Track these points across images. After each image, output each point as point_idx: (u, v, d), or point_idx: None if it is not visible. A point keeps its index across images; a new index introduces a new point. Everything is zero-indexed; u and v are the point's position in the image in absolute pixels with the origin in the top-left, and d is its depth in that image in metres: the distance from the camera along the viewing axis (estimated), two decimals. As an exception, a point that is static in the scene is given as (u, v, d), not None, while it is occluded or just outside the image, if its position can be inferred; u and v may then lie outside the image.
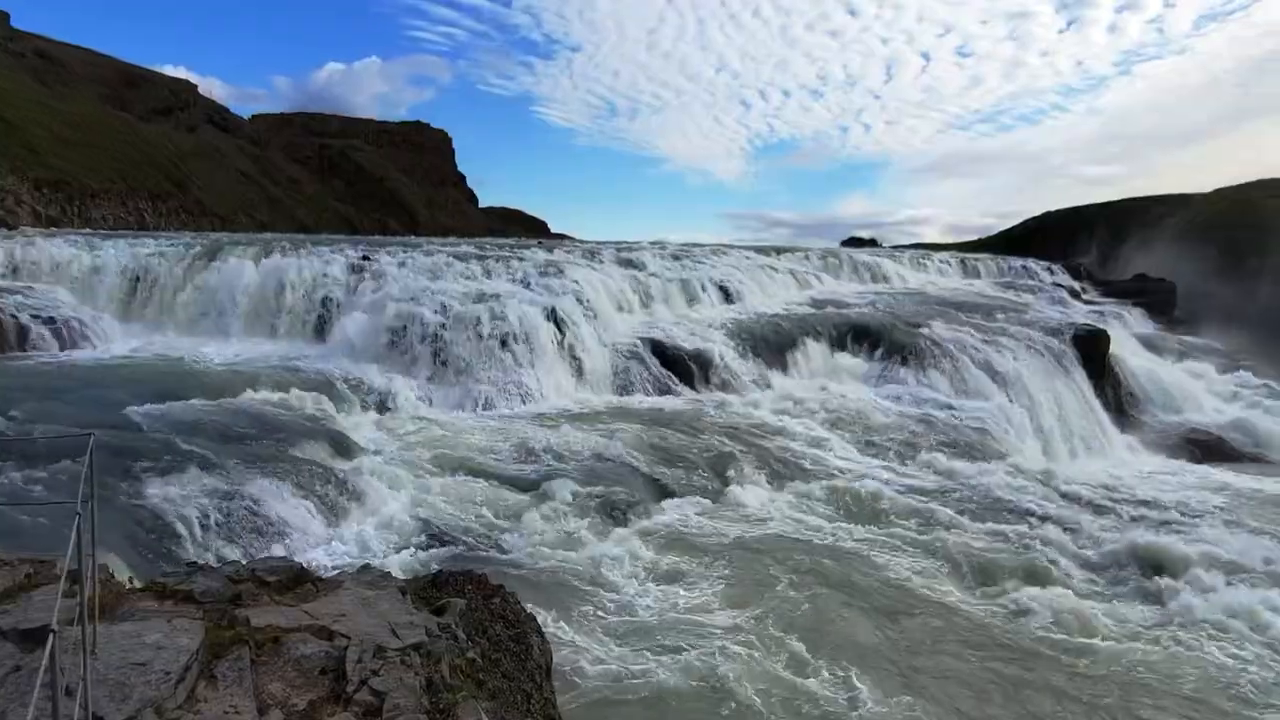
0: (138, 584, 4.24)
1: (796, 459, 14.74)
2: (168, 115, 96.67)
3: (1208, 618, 9.45)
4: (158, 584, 3.87)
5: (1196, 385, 26.09)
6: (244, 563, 4.06)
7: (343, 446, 12.32)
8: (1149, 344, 30.96)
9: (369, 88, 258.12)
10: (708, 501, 12.39)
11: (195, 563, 5.33)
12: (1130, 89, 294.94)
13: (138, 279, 21.06)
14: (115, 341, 18.77)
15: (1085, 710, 7.56)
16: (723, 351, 20.54)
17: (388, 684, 3.05)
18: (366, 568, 4.65)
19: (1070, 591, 10.05)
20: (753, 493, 12.92)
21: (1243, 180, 57.53)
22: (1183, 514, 14.23)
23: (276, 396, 14.08)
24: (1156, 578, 10.58)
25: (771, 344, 21.49)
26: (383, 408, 15.44)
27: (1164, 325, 37.91)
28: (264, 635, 3.22)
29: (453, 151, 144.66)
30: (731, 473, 13.49)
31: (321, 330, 19.67)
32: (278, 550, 8.67)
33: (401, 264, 22.09)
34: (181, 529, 8.44)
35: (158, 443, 10.60)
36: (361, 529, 9.95)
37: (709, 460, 13.81)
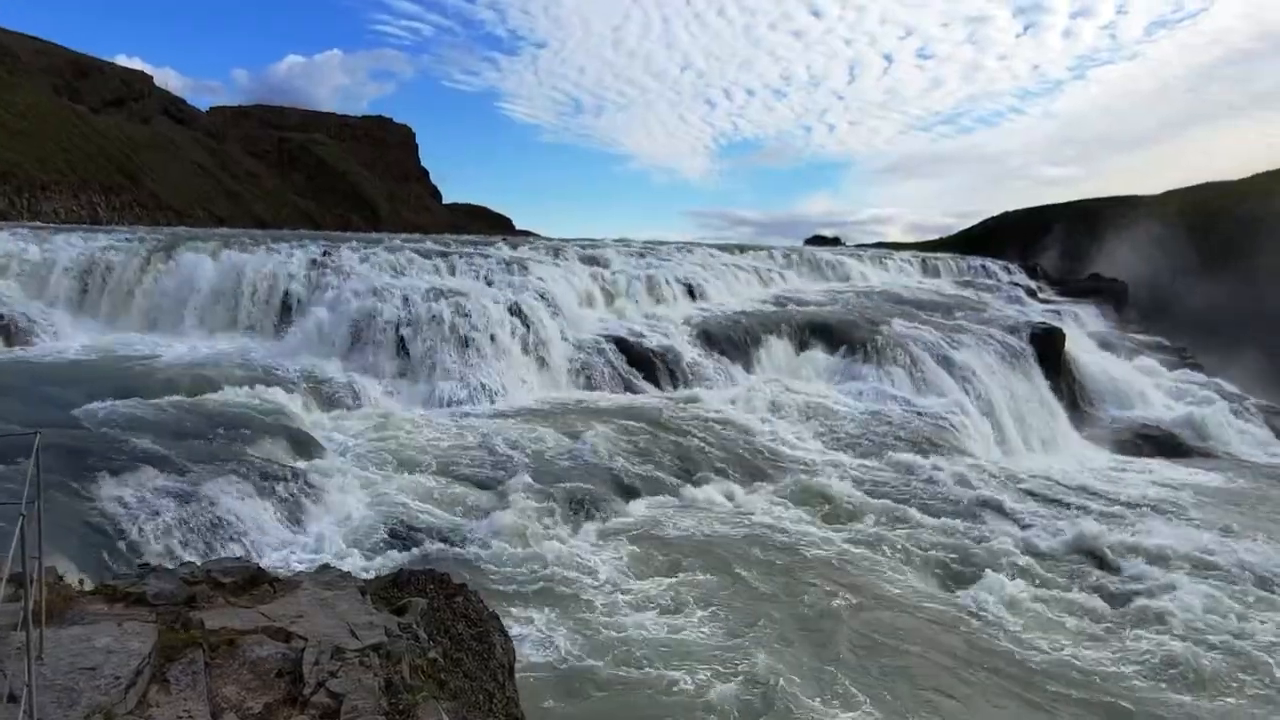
0: (88, 587, 4.14)
1: (760, 455, 14.85)
2: (121, 106, 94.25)
3: (1154, 609, 9.71)
4: (109, 587, 3.79)
5: (1147, 382, 26.77)
6: (199, 564, 3.98)
7: (303, 445, 12.14)
8: (1102, 342, 31.69)
9: (330, 81, 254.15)
10: (673, 498, 12.44)
11: (148, 564, 5.22)
12: (1085, 93, 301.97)
13: (90, 274, 20.51)
14: (67, 338, 18.27)
15: (1035, 699, 7.73)
16: (687, 349, 20.61)
17: (346, 685, 3.02)
18: (325, 568, 4.59)
19: (1022, 583, 10.26)
20: (717, 489, 13.00)
21: (1191, 183, 59.38)
22: (1133, 508, 14.62)
23: (235, 394, 13.82)
24: (1105, 570, 10.86)
25: (736, 341, 21.61)
26: (345, 405, 15.24)
27: (1117, 324, 38.83)
28: (219, 638, 3.16)
29: (416, 147, 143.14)
30: (696, 469, 13.56)
31: (282, 327, 19.33)
32: (236, 551, 8.52)
33: (364, 260, 21.81)
34: (135, 531, 8.26)
35: (111, 442, 10.36)
36: (322, 529, 9.81)
37: (674, 457, 13.86)
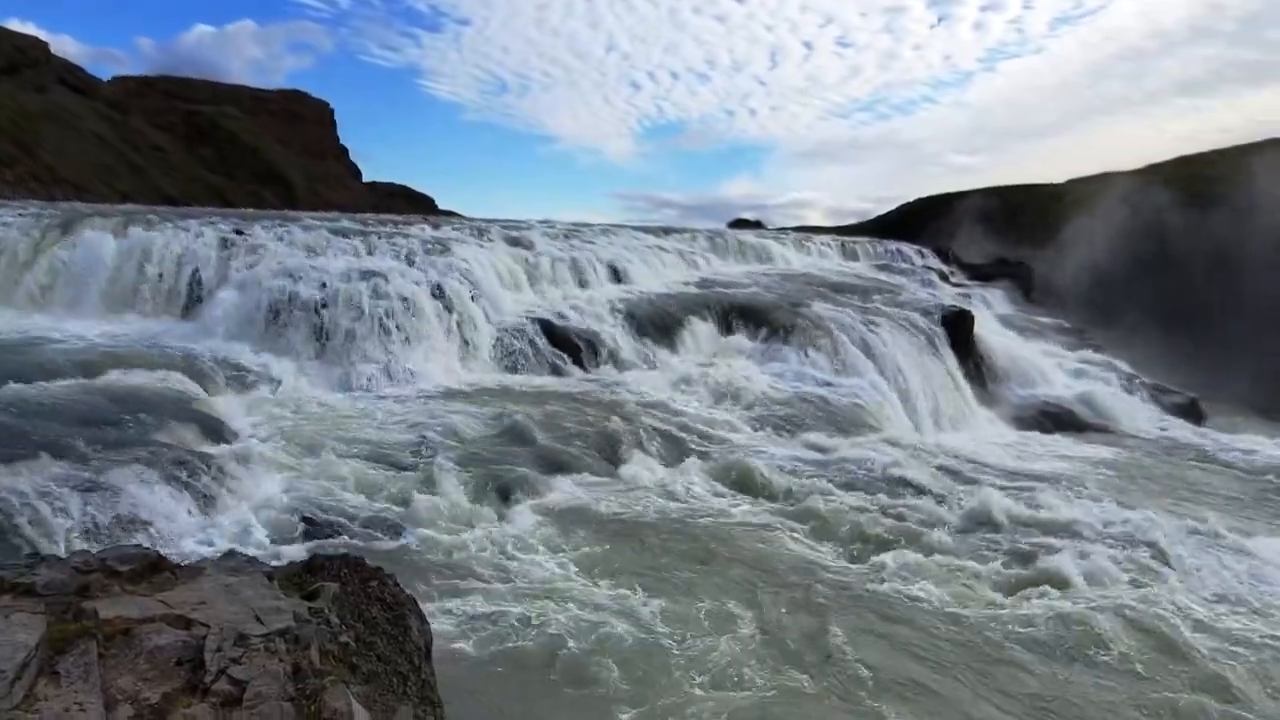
0: (-27, 580, 3.94)
1: (685, 435, 15.05)
2: (12, 74, 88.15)
3: (1051, 575, 10.26)
4: (-5, 579, 3.62)
5: (1049, 362, 28.10)
6: (94, 552, 3.84)
7: (214, 430, 11.75)
8: (1008, 323, 33.11)
9: (242, 53, 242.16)
10: (598, 478, 12.50)
11: (37, 554, 4.99)
12: (994, 85, 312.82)
13: (-23, 252, 19.28)
14: (-49, 320, 17.17)
15: (935, 659, 8.13)
16: (612, 331, 20.67)
17: (250, 672, 2.97)
18: (231, 553, 4.48)
19: (935, 555, 10.70)
20: (643, 469, 13.13)
21: (1089, 173, 62.40)
22: (1034, 480, 15.38)
23: (140, 378, 13.22)
24: (1006, 539, 11.42)
25: (660, 324, 21.77)
26: (258, 389, 14.78)
27: (1022, 306, 40.64)
28: (113, 627, 3.06)
29: (334, 123, 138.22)
30: (621, 450, 13.65)
31: (190, 308, 18.60)
32: (143, 542, 8.21)
33: (278, 239, 21.11)
34: (29, 522, 7.87)
35: (2, 428, 9.81)
36: (235, 516, 9.53)
37: (599, 438, 13.92)
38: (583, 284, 24.59)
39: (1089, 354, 31.20)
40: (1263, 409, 31.89)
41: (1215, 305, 40.75)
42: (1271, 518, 15.08)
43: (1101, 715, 7.49)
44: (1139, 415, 25.23)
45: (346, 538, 9.27)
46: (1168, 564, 11.12)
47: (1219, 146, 56.78)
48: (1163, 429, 24.51)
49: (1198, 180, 48.03)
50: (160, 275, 19.11)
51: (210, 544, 8.69)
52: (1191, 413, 27.24)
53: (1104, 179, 58.24)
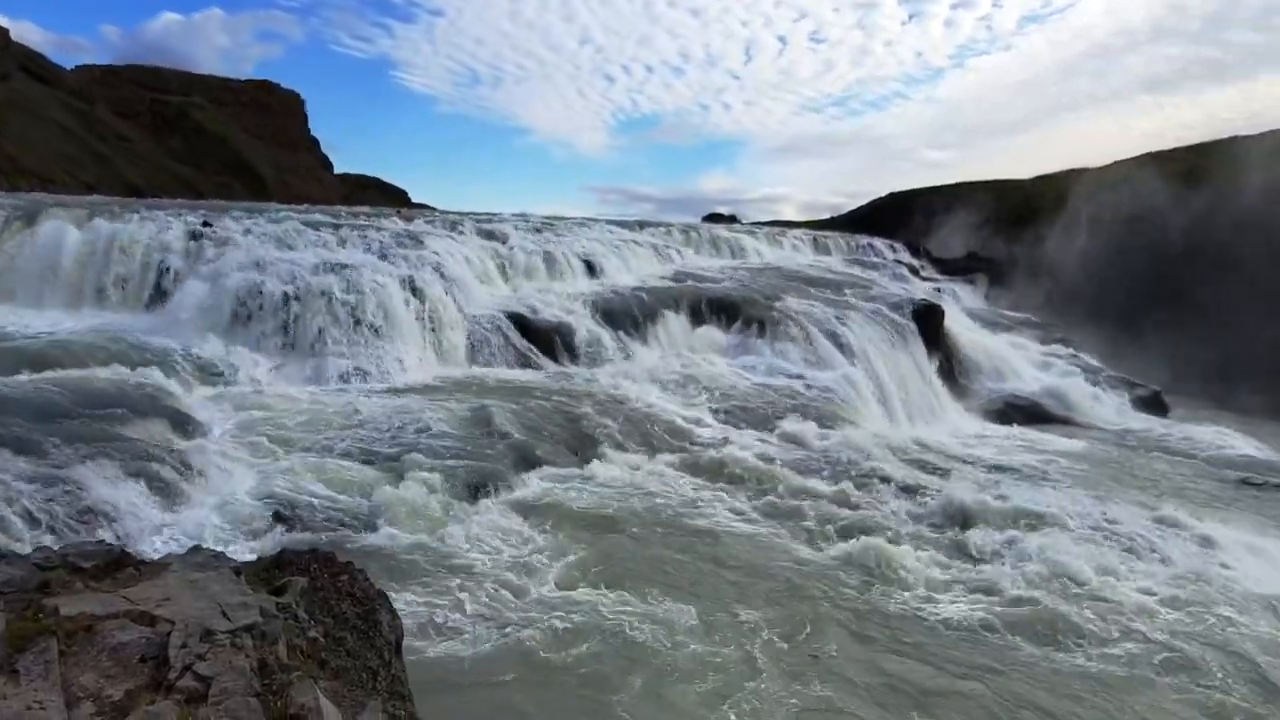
0: (-70, 578, 3.87)
1: (658, 428, 15.09)
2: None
3: (1018, 564, 10.45)
4: (-48, 577, 3.55)
5: (1017, 356, 28.52)
6: (55, 548, 3.78)
7: (181, 425, 11.56)
8: (977, 317, 33.52)
9: (210, 42, 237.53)
10: (571, 472, 12.50)
11: (-4, 552, 4.90)
12: (964, 81, 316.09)
13: (-67, 243, 18.80)
14: (-93, 313, 16.75)
15: (899, 646, 8.26)
16: (586, 324, 20.63)
17: (215, 668, 2.95)
18: (197, 549, 4.42)
19: (904, 545, 10.84)
20: (616, 463, 13.15)
21: (1057, 169, 63.27)
22: (1002, 472, 15.63)
23: (105, 372, 12.98)
24: (974, 530, 11.59)
25: (634, 317, 21.77)
26: (227, 383, 14.58)
27: (991, 300, 41.17)
28: (75, 624, 3.02)
29: (305, 114, 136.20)
30: (595, 443, 13.66)
31: (157, 301, 18.26)
32: (108, 538, 8.09)
33: (247, 231, 20.79)
34: (-11, 518, 7.71)
35: (-40, 425, 9.60)
36: (202, 511, 9.41)
37: (573, 432, 13.91)
38: (557, 277, 24.51)
39: (1056, 348, 31.72)
40: (1223, 401, 32.64)
41: (1179, 300, 41.55)
42: (1230, 507, 15.45)
43: (1067, 699, 7.65)
44: (1104, 407, 25.71)
45: (316, 533, 9.20)
46: (1131, 552, 11.37)
47: (1182, 144, 57.82)
48: (1127, 421, 24.99)
49: (1163, 177, 48.83)
50: (126, 267, 18.75)
51: (176, 540, 8.58)
52: (1155, 405, 27.79)
53: (1072, 175, 59.09)
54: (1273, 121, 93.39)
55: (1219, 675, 8.28)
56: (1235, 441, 22.06)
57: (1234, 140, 53.80)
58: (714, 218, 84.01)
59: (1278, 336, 35.65)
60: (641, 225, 37.13)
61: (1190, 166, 49.58)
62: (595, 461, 13.05)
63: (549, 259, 25.00)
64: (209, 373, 14.70)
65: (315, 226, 22.50)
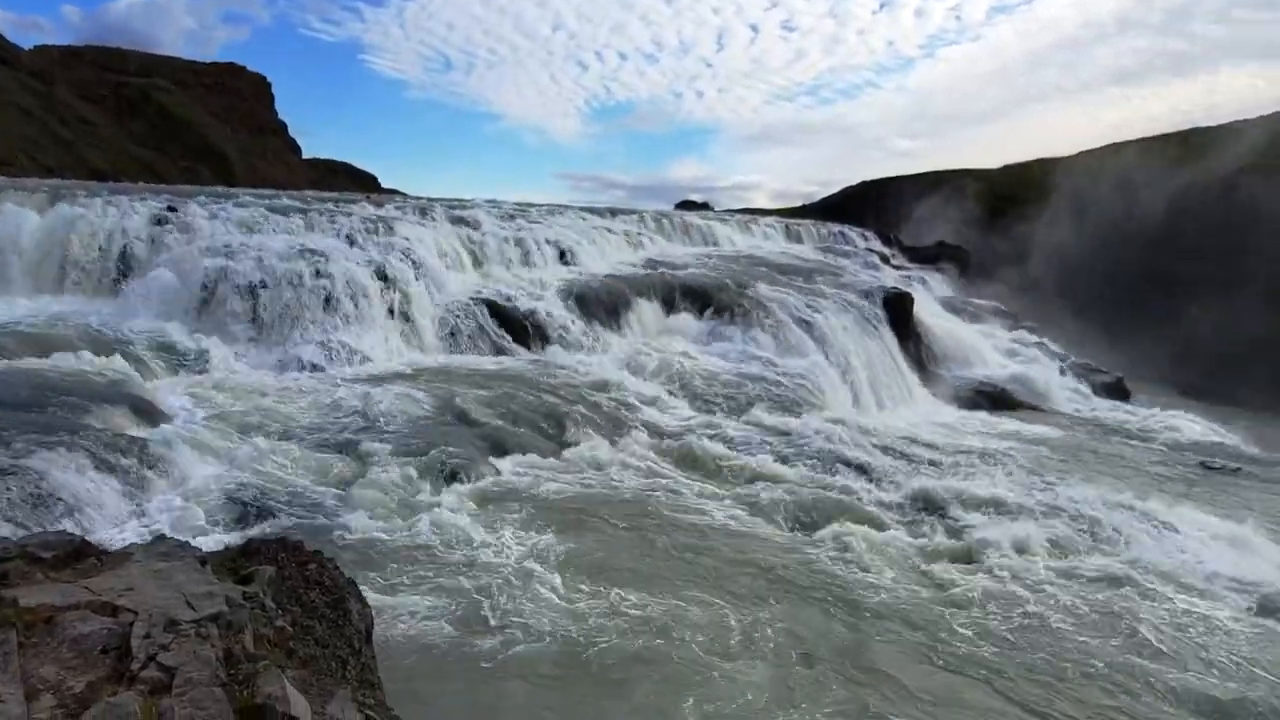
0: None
1: (631, 415, 15.11)
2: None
3: (983, 549, 10.63)
4: (-93, 569, 3.48)
5: (985, 343, 28.90)
6: (13, 539, 3.72)
7: (146, 413, 11.38)
8: (947, 305, 33.88)
9: (174, 23, 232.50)
10: (542, 459, 12.49)
11: (-48, 543, 4.79)
12: (934, 71, 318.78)
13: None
14: None
15: (865, 630, 8.39)
16: (558, 311, 20.58)
17: (179, 658, 2.92)
18: (161, 538, 4.37)
19: (867, 528, 10.98)
20: (588, 449, 13.15)
21: (1025, 159, 64.08)
22: (970, 457, 15.87)
23: (67, 359, 12.72)
24: (942, 515, 11.78)
25: (606, 304, 21.74)
26: (193, 370, 14.37)
27: (960, 288, 41.62)
28: (35, 615, 2.98)
29: (272, 98, 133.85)
30: (567, 431, 13.65)
31: (120, 287, 17.91)
32: (69, 528, 7.95)
33: (213, 216, 20.43)
34: (-55, 509, 7.55)
35: (-85, 414, 9.38)
36: (167, 500, 9.30)
37: (545, 419, 13.89)
38: (529, 264, 24.40)
39: (1023, 335, 32.20)
40: (1183, 388, 33.37)
41: (1141, 288, 42.32)
42: (1189, 490, 15.82)
43: (1036, 679, 7.80)
44: (1069, 394, 26.18)
45: (284, 521, 9.12)
46: (1094, 535, 11.60)
47: (1148, 134, 58.78)
48: (1091, 407, 25.46)
49: (1129, 166, 49.60)
50: (88, 253, 18.35)
51: (140, 530, 8.47)
52: (1118, 391, 28.33)
53: (1039, 165, 59.90)
54: (1231, 114, 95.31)
55: (1177, 653, 8.50)
56: (1194, 427, 22.57)
57: (1197, 132, 54.81)
58: (687, 205, 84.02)
59: (1235, 324, 36.46)
60: (614, 212, 37.01)
61: (1154, 157, 50.38)
62: (567, 449, 13.05)
63: (521, 246, 24.88)
64: (174, 360, 14.48)
65: (283, 212, 22.17)
